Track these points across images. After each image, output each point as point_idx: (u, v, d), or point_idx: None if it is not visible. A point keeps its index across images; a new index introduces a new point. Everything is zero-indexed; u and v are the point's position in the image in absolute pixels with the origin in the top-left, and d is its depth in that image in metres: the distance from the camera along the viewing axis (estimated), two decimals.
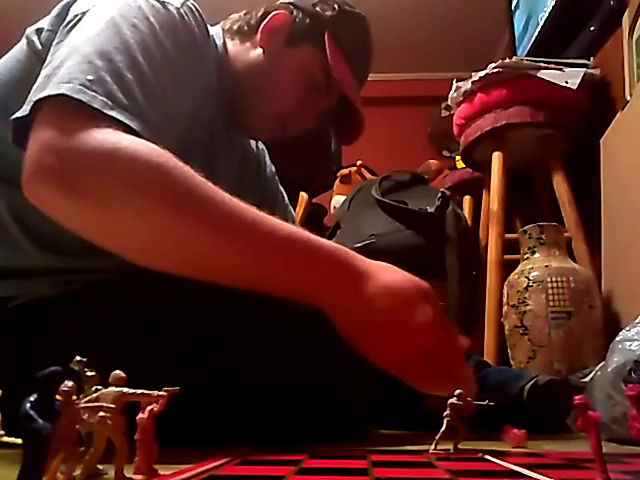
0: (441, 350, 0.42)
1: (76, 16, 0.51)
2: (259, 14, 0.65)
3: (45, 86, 0.43)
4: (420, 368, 0.42)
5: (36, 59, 0.53)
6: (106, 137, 0.41)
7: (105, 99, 0.43)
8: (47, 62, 0.48)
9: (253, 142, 0.77)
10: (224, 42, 0.64)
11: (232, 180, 0.68)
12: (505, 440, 0.47)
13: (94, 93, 0.42)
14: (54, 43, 0.50)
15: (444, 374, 0.42)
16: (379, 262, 0.45)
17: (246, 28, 0.64)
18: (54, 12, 0.55)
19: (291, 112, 0.63)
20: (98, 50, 0.45)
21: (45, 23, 0.55)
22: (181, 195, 0.41)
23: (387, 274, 0.44)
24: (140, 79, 0.46)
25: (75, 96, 0.42)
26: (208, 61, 0.58)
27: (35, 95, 0.43)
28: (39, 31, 0.55)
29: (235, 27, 0.65)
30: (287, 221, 0.85)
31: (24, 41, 0.56)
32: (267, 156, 0.80)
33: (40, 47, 0.53)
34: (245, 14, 0.66)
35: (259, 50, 0.63)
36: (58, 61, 0.46)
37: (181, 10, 0.52)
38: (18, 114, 0.44)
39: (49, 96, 0.42)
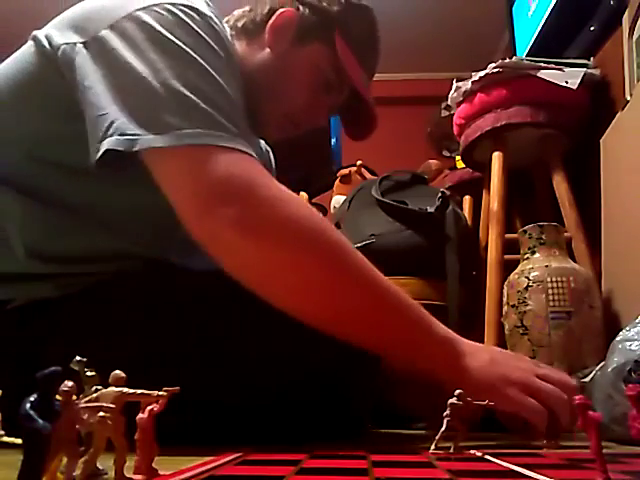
0: (545, 392, 0.46)
1: (105, 32, 0.49)
2: (264, 11, 0.63)
3: (152, 126, 0.44)
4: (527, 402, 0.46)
5: (47, 62, 0.52)
6: (278, 192, 0.46)
7: (224, 134, 0.45)
8: (110, 84, 0.47)
9: (262, 142, 0.76)
10: (233, 42, 0.63)
11: None
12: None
13: (219, 132, 0.45)
14: (88, 58, 0.48)
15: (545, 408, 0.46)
16: (480, 345, 0.51)
17: (251, 26, 0.63)
18: (67, 23, 0.52)
19: (304, 110, 0.63)
20: (184, 83, 0.46)
21: (56, 33, 0.52)
22: (338, 259, 0.46)
23: (489, 353, 0.50)
24: (228, 100, 0.48)
25: (208, 142, 0.44)
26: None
27: (145, 139, 0.44)
28: (49, 37, 0.52)
29: (240, 25, 0.64)
30: None
31: (31, 43, 0.54)
32: (272, 158, 0.79)
33: (51, 51, 0.51)
34: (249, 11, 0.65)
35: (267, 50, 0.62)
36: (140, 94, 0.46)
37: (213, 17, 0.52)
38: (131, 146, 0.45)
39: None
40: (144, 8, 0.49)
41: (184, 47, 0.48)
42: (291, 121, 0.64)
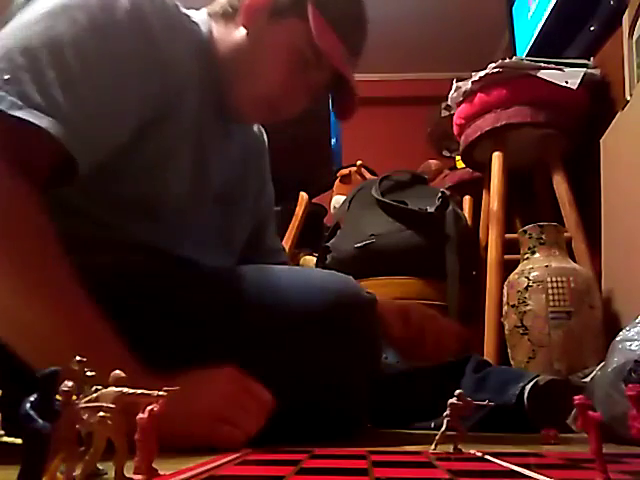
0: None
1: None
2: None
3: None
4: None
5: None
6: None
7: (15, 99, 0.43)
8: None
9: (256, 130, 0.74)
10: (210, 27, 0.61)
11: (233, 170, 0.66)
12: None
13: (4, 93, 0.42)
14: None
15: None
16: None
17: (230, 9, 0.61)
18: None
19: (281, 92, 0.60)
20: (23, 45, 0.44)
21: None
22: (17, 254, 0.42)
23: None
24: (64, 77, 0.45)
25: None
26: (180, 50, 0.55)
27: None
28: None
29: (220, 10, 0.62)
30: (270, 213, 0.77)
31: None
32: (266, 140, 0.77)
33: None
34: None
35: (243, 30, 0.60)
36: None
37: (136, 1, 0.50)
38: None
39: None
40: None
41: (63, 26, 0.46)
42: (269, 104, 0.61)
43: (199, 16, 0.61)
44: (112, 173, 0.52)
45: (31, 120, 0.43)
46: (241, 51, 0.59)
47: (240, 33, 0.60)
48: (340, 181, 1.79)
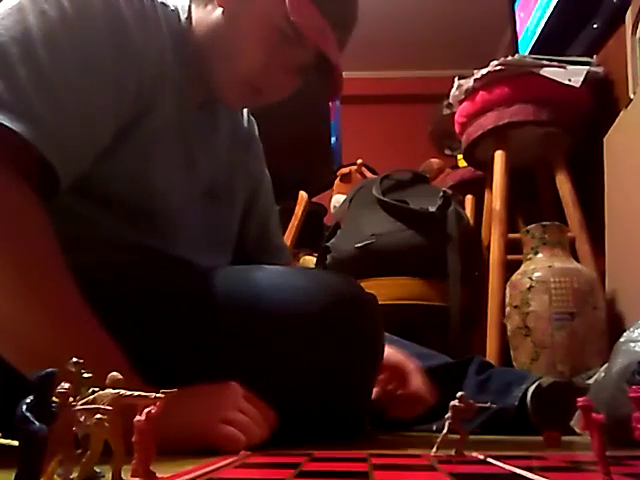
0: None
1: None
2: None
3: None
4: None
5: None
6: None
7: None
8: None
9: (245, 122, 0.72)
10: (190, 13, 0.59)
11: (221, 164, 0.65)
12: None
13: None
14: None
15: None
16: None
17: None
18: None
19: (261, 71, 0.57)
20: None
21: None
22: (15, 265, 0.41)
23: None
24: (36, 74, 0.43)
25: None
26: (155, 42, 0.53)
27: None
28: None
29: None
30: (270, 208, 0.75)
31: None
32: (257, 132, 0.75)
33: None
34: None
35: (219, 10, 0.57)
36: None
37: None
38: None
39: None
40: None
41: (35, 18, 0.44)
42: (250, 84, 0.57)
43: (180, 2, 0.59)
44: (98, 175, 0.51)
45: (4, 123, 0.41)
46: (218, 32, 0.57)
47: (217, 13, 0.57)
48: (340, 180, 1.79)
